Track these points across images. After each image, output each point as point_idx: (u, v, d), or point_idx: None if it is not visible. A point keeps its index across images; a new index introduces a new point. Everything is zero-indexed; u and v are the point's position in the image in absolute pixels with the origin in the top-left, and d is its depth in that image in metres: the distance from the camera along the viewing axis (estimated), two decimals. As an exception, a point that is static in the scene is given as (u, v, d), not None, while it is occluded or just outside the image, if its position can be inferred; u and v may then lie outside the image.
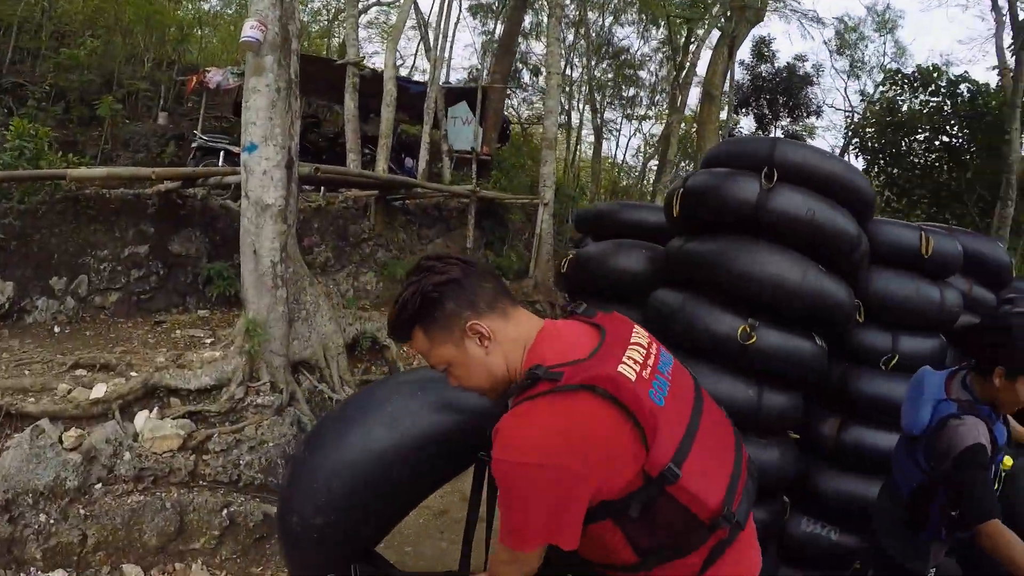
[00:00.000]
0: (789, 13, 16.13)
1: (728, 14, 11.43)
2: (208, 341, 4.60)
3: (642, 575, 1.40)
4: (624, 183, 18.87)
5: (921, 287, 4.23)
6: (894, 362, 4.14)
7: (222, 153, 9.02)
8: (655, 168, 20.45)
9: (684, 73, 15.55)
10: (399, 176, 8.36)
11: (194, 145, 9.35)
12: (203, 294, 5.53)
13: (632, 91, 18.09)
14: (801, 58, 18.03)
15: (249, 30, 4.14)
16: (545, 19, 17.00)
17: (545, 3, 15.59)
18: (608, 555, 1.40)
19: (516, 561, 1.37)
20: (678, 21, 13.64)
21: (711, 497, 1.35)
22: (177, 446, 3.41)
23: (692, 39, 14.99)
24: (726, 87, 13.14)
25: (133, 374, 3.71)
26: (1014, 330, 2.21)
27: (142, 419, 3.50)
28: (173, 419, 3.55)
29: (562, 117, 19.58)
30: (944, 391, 2.38)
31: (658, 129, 21.79)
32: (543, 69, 18.29)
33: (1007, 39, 10.59)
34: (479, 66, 19.58)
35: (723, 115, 14.01)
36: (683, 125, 17.11)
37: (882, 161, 14.84)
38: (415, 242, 8.55)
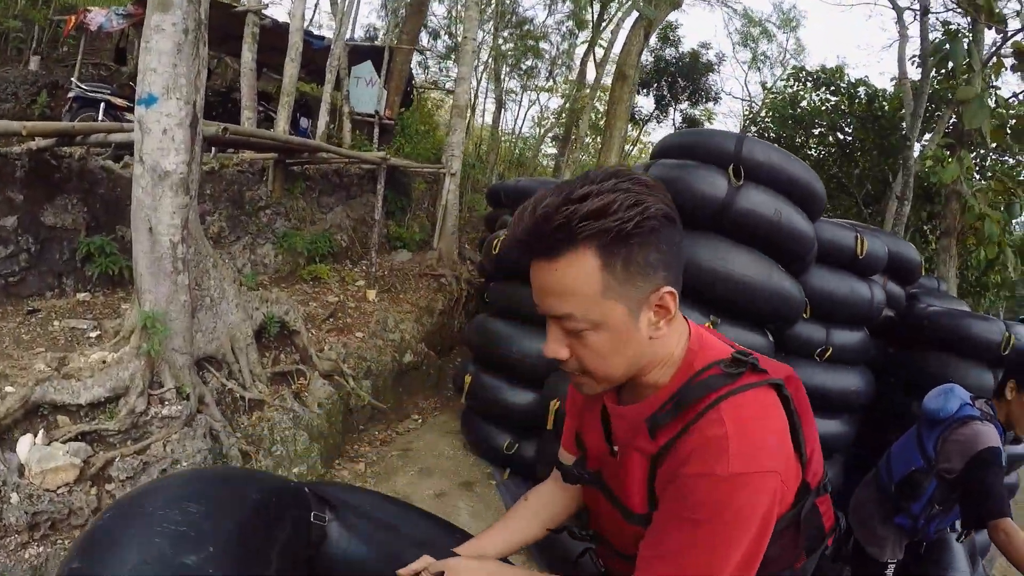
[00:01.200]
0: (713, 3, 16.40)
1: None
2: (93, 335, 3.86)
3: None
4: (518, 153, 18.54)
5: (854, 285, 4.53)
6: (828, 354, 4.43)
7: (102, 105, 7.85)
8: (550, 140, 20.35)
9: (596, 50, 15.56)
10: (313, 141, 7.60)
11: (71, 95, 8.08)
12: (82, 273, 4.68)
13: (532, 62, 17.74)
14: (705, 45, 18.65)
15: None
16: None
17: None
18: None
19: None
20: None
21: (831, 506, 1.23)
22: (74, 478, 2.74)
23: (604, 16, 14.88)
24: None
25: (9, 388, 2.91)
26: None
27: (26, 447, 2.78)
28: (63, 443, 2.86)
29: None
30: (970, 401, 2.53)
31: (555, 102, 21.72)
32: (442, 32, 17.65)
33: (909, 51, 11.32)
34: (378, 24, 18.49)
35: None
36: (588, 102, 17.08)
37: (776, 151, 15.63)
38: (315, 211, 7.86)
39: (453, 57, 18.12)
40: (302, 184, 7.53)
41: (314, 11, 18.59)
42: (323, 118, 8.79)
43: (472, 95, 16.64)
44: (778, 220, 3.72)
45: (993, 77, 9.61)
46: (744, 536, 0.95)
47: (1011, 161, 12.10)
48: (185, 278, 3.68)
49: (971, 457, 2.34)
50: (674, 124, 20.21)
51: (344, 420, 5.13)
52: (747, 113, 21.07)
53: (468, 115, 11.57)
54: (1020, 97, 9.86)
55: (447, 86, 19.89)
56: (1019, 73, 9.09)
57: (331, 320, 6.29)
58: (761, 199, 3.72)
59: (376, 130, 10.06)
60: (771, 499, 0.96)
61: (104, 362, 3.28)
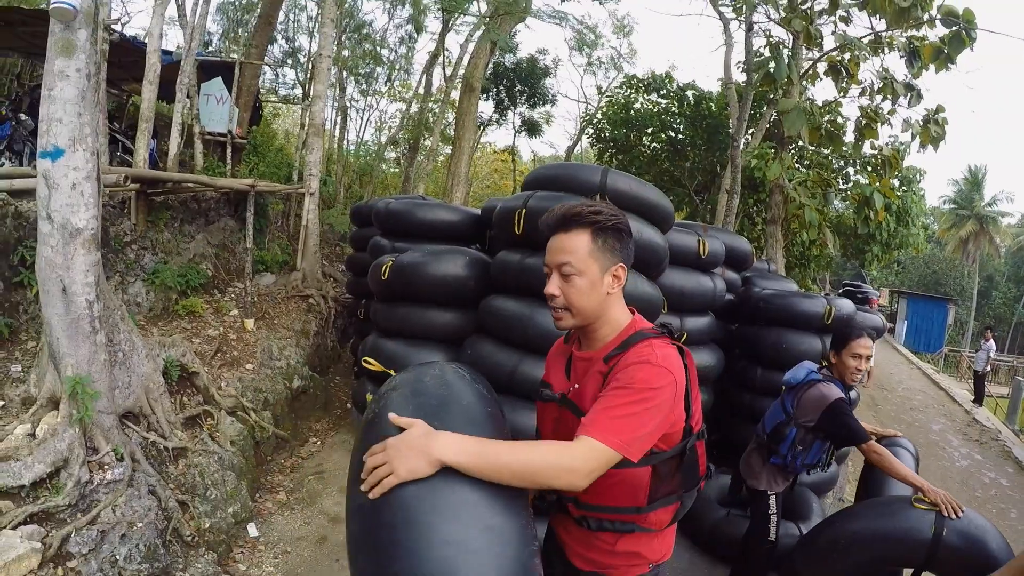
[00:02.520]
0: (553, 20, 16.94)
1: (495, 12, 11.78)
2: None
3: (643, 517, 1.71)
4: (363, 162, 18.34)
5: (700, 280, 5.39)
6: (684, 338, 5.14)
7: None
8: (392, 147, 20.27)
9: (442, 61, 15.78)
10: (193, 176, 7.22)
11: None
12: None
13: (371, 67, 17.58)
14: (542, 51, 19.43)
15: (65, -10, 3.24)
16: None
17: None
18: (624, 499, 1.68)
19: (608, 464, 1.49)
20: (436, 6, 13.69)
21: (705, 455, 1.82)
22: (37, 564, 2.69)
23: (449, 27, 15.15)
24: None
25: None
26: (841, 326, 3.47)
27: (-20, 540, 2.68)
28: (13, 529, 2.78)
29: (296, 90, 18.53)
30: (815, 370, 3.46)
31: (393, 107, 21.65)
32: (279, 37, 17.05)
33: (734, 58, 12.45)
34: (212, 28, 17.40)
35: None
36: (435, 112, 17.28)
37: (612, 149, 16.86)
38: (179, 241, 7.60)
39: (290, 63, 17.65)
40: (166, 215, 7.28)
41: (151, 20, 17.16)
42: (175, 140, 8.40)
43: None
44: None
45: (810, 84, 11.08)
46: (659, 409, 1.53)
47: (826, 151, 13.85)
48: (102, 337, 3.66)
49: (825, 408, 3.23)
50: (514, 127, 20.95)
51: (255, 453, 5.18)
52: (583, 115, 22.32)
53: (324, 133, 11.46)
54: (832, 103, 11.34)
55: (282, 94, 19.34)
56: (831, 79, 10.61)
57: (219, 355, 6.23)
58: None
59: (229, 150, 9.73)
60: (674, 395, 1.56)
61: (33, 436, 3.22)
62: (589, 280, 1.63)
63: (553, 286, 1.66)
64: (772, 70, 9.29)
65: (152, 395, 4.18)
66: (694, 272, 5.40)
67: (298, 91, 18.15)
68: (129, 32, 9.96)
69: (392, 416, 1.40)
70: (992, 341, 14.90)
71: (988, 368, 14.67)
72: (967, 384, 17.54)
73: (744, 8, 10.12)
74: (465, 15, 13.75)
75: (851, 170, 15.00)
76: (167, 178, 6.33)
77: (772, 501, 3.59)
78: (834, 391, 3.26)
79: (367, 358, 1.29)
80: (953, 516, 2.89)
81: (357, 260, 8.79)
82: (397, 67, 18.73)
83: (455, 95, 15.92)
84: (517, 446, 1.43)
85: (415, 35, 17.51)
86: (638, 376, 1.53)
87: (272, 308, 8.24)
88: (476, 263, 5.23)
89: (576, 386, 1.73)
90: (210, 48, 14.92)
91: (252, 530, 4.20)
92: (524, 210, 4.45)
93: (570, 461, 1.44)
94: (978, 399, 13.95)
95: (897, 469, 3.11)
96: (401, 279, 5.27)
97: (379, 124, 21.05)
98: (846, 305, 5.84)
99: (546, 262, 1.69)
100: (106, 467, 3.30)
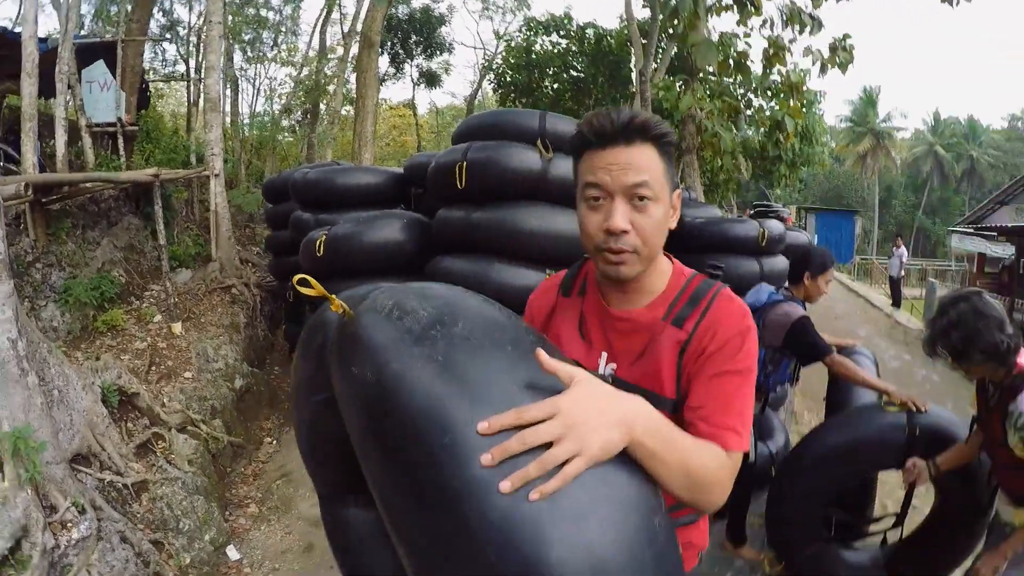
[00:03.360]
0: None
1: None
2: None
3: None
4: (257, 133, 17.34)
5: None
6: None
7: None
8: (286, 116, 19.27)
9: (339, 17, 15.04)
10: (91, 174, 6.47)
11: None
12: None
13: (256, 32, 16.47)
14: (436, -1, 18.73)
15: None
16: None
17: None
18: None
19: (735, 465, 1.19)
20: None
21: None
22: None
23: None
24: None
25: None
26: (811, 251, 3.61)
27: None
28: None
29: (179, 66, 17.30)
30: (775, 291, 3.58)
31: (283, 73, 20.56)
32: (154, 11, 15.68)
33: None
34: (83, 14, 15.77)
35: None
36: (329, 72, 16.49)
37: (515, 93, 16.72)
38: (85, 250, 6.99)
39: (169, 37, 16.38)
40: (67, 224, 6.67)
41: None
42: (61, 137, 7.55)
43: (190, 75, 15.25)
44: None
45: (715, 15, 11.20)
46: (752, 383, 1.27)
47: (728, 80, 14.16)
48: (34, 378, 3.31)
49: (789, 327, 3.28)
50: (412, 80, 20.32)
51: (215, 469, 4.92)
52: (483, 62, 21.99)
53: (220, 107, 10.72)
54: (745, 34, 11.52)
55: (164, 72, 18.00)
56: (735, 12, 10.73)
57: (154, 368, 5.83)
58: (569, 166, 4.22)
59: (121, 140, 8.92)
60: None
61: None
62: (664, 209, 1.25)
63: (621, 217, 1.21)
64: (677, 4, 9.30)
65: (98, 430, 3.85)
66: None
67: (181, 67, 16.93)
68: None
69: (543, 357, 0.95)
70: (903, 248, 15.85)
71: (902, 273, 15.61)
72: (882, 290, 18.57)
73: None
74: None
75: (752, 96, 15.47)
76: (68, 180, 5.76)
77: None
78: (797, 310, 3.35)
79: (303, 276, 1.02)
80: (922, 411, 3.02)
81: (277, 239, 8.36)
82: (283, 29, 17.70)
83: (353, 52, 15.19)
84: (688, 436, 1.10)
85: (300, -4, 16.53)
86: (743, 352, 1.25)
87: (196, 306, 7.76)
88: (413, 225, 5.03)
89: (606, 355, 1.36)
90: (83, 31, 13.60)
91: (233, 553, 3.99)
92: (465, 163, 4.29)
93: (727, 476, 1.14)
94: (896, 302, 14.85)
95: (861, 376, 3.26)
96: (337, 252, 5.00)
97: (269, 93, 19.93)
98: (776, 226, 6.01)
99: (598, 183, 1.22)
100: (70, 524, 3.01)
